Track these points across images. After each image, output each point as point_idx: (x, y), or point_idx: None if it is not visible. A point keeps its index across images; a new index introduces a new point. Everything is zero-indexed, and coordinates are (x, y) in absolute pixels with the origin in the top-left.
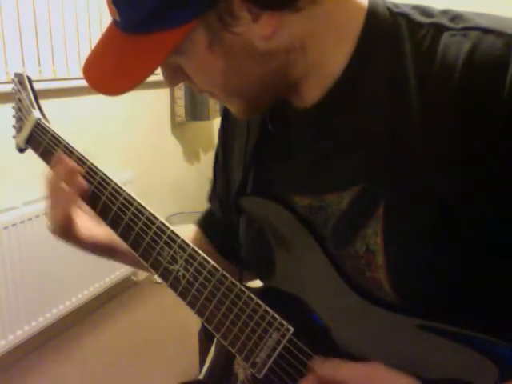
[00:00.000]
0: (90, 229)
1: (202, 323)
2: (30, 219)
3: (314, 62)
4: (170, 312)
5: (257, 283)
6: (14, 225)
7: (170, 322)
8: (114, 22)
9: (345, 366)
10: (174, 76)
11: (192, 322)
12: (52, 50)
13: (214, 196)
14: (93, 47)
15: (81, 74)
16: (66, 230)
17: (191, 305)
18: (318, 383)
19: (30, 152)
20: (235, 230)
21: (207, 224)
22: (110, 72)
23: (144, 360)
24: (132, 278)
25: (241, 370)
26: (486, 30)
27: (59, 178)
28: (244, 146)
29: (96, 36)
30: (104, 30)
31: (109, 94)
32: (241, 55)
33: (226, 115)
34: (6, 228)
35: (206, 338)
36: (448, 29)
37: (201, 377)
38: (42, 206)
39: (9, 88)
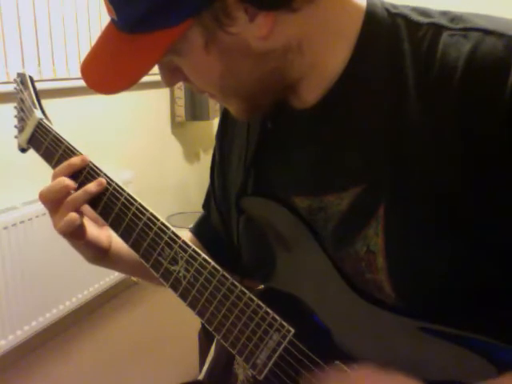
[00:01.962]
0: (92, 231)
1: (202, 323)
2: (30, 219)
3: (312, 62)
4: (170, 312)
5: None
6: (14, 225)
7: (170, 323)
8: (112, 21)
9: (332, 375)
10: (171, 76)
11: (192, 323)
12: (52, 50)
13: (210, 203)
14: (91, 46)
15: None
16: (72, 232)
17: (192, 305)
18: None
19: (30, 152)
20: (235, 232)
21: (202, 231)
22: (106, 71)
23: (144, 360)
24: (132, 278)
25: (241, 370)
26: (486, 32)
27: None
28: (244, 147)
29: (96, 36)
30: (106, 24)
31: (105, 92)
32: (237, 55)
33: (225, 116)
34: (6, 228)
35: (206, 338)
36: (447, 29)
37: (201, 377)
38: (42, 205)
39: (9, 88)
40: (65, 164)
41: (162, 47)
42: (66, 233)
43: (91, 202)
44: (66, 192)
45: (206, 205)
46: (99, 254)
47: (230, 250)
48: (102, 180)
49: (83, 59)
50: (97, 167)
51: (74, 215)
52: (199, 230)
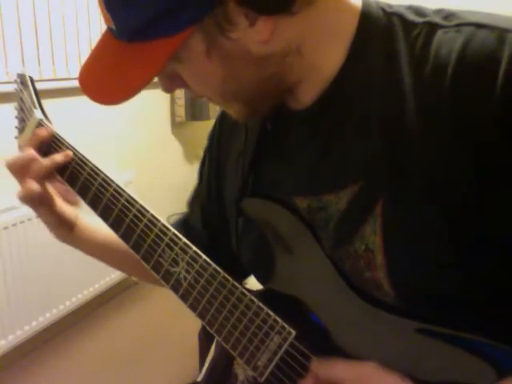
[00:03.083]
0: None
1: (203, 324)
2: (29, 219)
3: (310, 64)
4: (170, 312)
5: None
6: (14, 225)
7: (170, 323)
8: (109, 30)
9: (339, 365)
10: (170, 83)
11: (192, 323)
12: (52, 49)
13: (194, 202)
14: (88, 55)
15: None
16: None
17: (192, 307)
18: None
19: None
20: (233, 234)
21: (182, 227)
22: (106, 82)
23: (144, 361)
24: (132, 278)
25: (240, 370)
26: (479, 25)
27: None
28: (243, 149)
29: (96, 36)
30: (104, 30)
31: (107, 104)
32: (238, 61)
33: (222, 119)
34: (6, 228)
35: (206, 338)
36: (441, 26)
37: (200, 377)
38: None
39: (9, 88)
40: (32, 136)
41: (164, 56)
42: (24, 200)
43: (92, 203)
44: (31, 159)
45: (191, 203)
46: (64, 226)
47: (208, 250)
48: (69, 152)
49: (81, 69)
50: (97, 168)
51: (33, 184)
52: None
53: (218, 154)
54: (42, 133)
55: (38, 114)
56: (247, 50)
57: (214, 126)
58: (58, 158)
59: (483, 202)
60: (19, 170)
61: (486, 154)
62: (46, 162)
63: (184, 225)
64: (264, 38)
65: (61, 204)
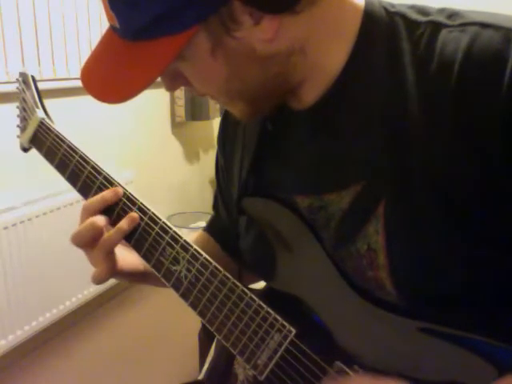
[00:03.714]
0: (125, 259)
1: (202, 323)
2: (29, 219)
3: (313, 64)
4: (170, 312)
5: (260, 285)
6: (14, 225)
7: (170, 323)
8: (112, 28)
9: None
10: (173, 81)
11: (192, 323)
12: (52, 49)
13: (218, 205)
14: (90, 54)
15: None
16: (112, 271)
17: (193, 306)
18: None
19: (31, 152)
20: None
21: (213, 225)
22: (110, 80)
23: (144, 360)
24: None
25: (241, 370)
26: (483, 25)
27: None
28: (241, 148)
29: (96, 36)
30: (104, 30)
31: (111, 102)
32: (242, 60)
33: (225, 118)
34: (6, 228)
35: (206, 338)
36: (445, 26)
37: (201, 377)
38: (42, 205)
39: (9, 88)
40: (98, 198)
41: (168, 54)
42: (101, 283)
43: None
44: (98, 233)
45: (215, 206)
46: (138, 278)
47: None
48: (134, 216)
49: (83, 69)
50: (98, 166)
51: (99, 272)
52: (211, 228)
53: (224, 154)
54: (109, 195)
55: (40, 113)
56: (252, 49)
57: (219, 129)
58: (125, 226)
59: (487, 202)
60: (85, 244)
61: (490, 153)
62: (114, 235)
63: (216, 224)
64: (269, 37)
65: (125, 263)
